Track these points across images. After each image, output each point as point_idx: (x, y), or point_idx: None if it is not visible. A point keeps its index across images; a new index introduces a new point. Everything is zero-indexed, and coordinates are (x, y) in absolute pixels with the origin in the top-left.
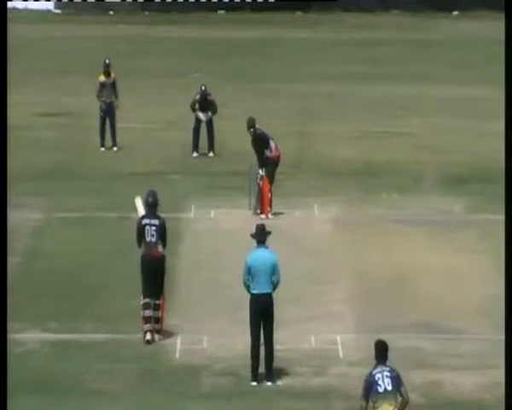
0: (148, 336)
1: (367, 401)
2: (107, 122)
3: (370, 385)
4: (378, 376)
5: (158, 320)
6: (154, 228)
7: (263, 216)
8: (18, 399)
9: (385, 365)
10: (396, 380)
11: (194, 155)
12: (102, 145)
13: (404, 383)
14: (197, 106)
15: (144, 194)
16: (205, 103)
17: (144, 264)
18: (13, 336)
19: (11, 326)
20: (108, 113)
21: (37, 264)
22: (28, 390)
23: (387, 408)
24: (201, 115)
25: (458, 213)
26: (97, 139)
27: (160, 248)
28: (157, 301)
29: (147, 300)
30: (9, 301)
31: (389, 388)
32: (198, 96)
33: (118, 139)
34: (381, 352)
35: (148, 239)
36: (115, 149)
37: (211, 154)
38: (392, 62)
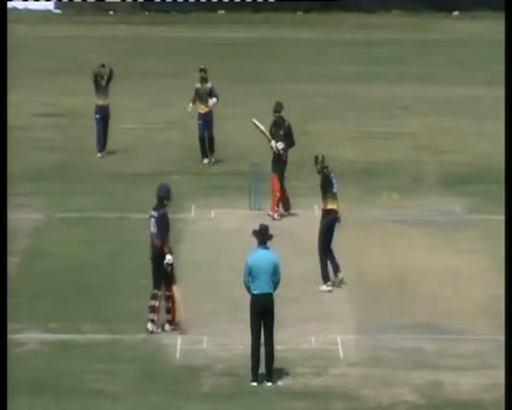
0: (148, 326)
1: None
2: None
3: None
4: None
5: (169, 311)
6: (153, 220)
7: (270, 213)
8: (18, 399)
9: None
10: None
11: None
12: (101, 150)
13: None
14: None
15: (144, 194)
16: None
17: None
18: (13, 336)
19: (11, 327)
20: (104, 117)
21: (37, 264)
22: (28, 390)
23: None
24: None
25: (459, 214)
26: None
27: (156, 239)
28: (167, 292)
29: (154, 290)
30: (9, 302)
31: None
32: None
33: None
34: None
35: (150, 230)
36: (102, 154)
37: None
38: (392, 62)
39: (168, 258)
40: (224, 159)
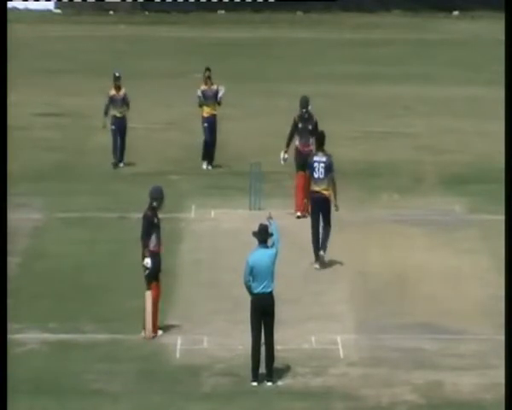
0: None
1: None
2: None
3: None
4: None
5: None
6: None
7: (299, 213)
8: (18, 399)
9: None
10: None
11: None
12: (118, 162)
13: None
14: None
15: (145, 194)
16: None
17: None
18: (13, 336)
19: (11, 327)
20: (120, 128)
21: (37, 264)
22: (28, 390)
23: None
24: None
25: (459, 214)
26: (98, 139)
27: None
28: None
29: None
30: (9, 302)
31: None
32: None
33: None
34: None
35: None
36: (122, 165)
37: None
38: (392, 62)
39: (146, 261)
40: (224, 159)
